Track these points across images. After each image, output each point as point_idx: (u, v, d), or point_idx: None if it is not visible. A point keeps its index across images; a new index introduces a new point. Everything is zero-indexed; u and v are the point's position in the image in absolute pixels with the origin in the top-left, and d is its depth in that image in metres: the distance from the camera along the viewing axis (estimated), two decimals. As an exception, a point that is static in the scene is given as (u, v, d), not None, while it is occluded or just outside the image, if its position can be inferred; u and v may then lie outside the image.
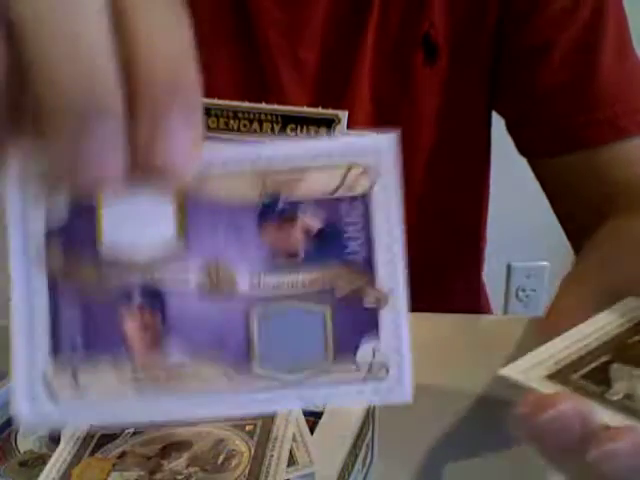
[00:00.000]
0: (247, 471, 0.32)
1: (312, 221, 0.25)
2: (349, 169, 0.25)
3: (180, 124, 0.22)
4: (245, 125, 0.44)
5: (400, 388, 0.24)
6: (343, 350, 0.24)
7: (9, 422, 0.38)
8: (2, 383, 0.40)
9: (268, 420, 0.35)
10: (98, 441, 0.35)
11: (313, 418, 0.37)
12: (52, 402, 0.24)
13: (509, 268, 1.60)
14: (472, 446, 0.46)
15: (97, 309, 0.24)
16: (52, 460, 0.33)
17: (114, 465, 0.33)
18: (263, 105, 0.43)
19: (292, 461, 0.33)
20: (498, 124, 0.72)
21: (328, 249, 0.24)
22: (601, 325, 0.33)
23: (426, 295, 0.75)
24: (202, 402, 0.24)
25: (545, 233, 0.99)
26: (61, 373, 0.24)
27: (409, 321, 0.24)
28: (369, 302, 0.24)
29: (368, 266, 0.24)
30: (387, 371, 0.24)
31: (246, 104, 0.44)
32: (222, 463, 0.33)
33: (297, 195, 0.25)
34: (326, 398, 0.24)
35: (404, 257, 0.25)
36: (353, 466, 0.37)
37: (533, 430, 0.27)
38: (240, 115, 0.44)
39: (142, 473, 0.32)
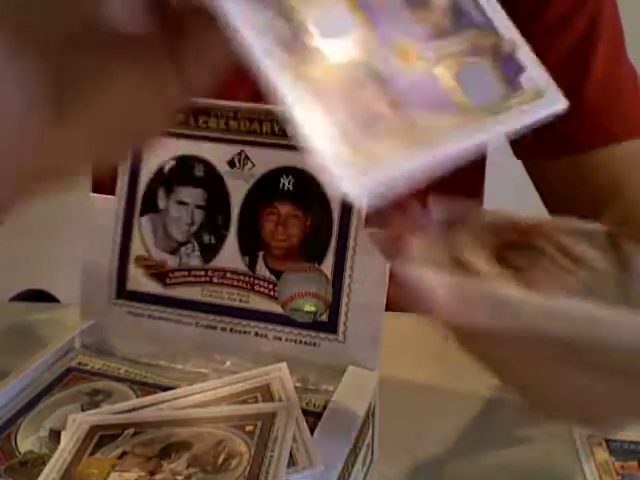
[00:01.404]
0: (247, 471, 0.32)
1: None
2: None
3: None
4: (245, 125, 0.44)
5: (557, 99, 0.31)
6: (513, 84, 0.30)
7: (9, 422, 0.38)
8: (2, 383, 0.40)
9: (268, 420, 0.35)
10: (98, 441, 0.35)
11: (313, 418, 0.37)
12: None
13: (509, 267, 1.60)
14: (472, 446, 0.46)
15: None
16: (52, 460, 0.34)
17: (114, 465, 0.33)
18: (263, 105, 0.43)
19: (292, 461, 0.33)
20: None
21: (462, 17, 0.29)
22: None
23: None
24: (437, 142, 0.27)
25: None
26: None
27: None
28: (507, 48, 0.30)
29: (492, 25, 0.30)
30: (544, 91, 0.31)
31: (246, 104, 0.44)
32: (222, 464, 0.33)
33: None
34: (516, 119, 0.29)
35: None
36: (353, 466, 0.37)
37: None
38: (240, 115, 0.44)
39: (142, 474, 0.32)
